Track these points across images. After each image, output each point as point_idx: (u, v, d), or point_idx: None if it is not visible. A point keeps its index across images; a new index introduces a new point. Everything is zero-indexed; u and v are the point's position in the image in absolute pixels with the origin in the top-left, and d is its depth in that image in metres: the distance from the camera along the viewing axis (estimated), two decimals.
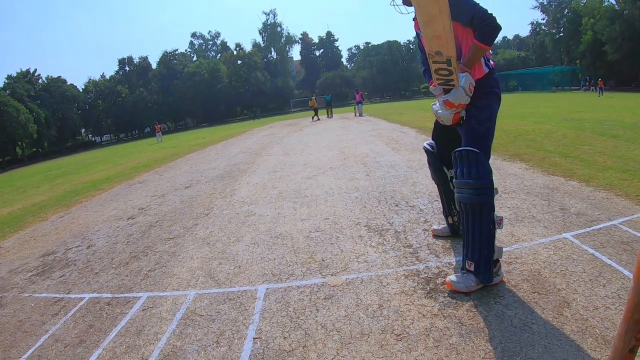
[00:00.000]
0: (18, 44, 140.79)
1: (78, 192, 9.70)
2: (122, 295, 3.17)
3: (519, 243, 2.92)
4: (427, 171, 4.99)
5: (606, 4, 49.08)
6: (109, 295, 3.22)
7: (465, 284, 2.33)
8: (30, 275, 4.10)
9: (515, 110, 15.93)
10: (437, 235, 3.24)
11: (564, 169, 4.90)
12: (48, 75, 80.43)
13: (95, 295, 3.27)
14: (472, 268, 2.32)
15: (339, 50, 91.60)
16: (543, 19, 69.00)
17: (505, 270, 2.54)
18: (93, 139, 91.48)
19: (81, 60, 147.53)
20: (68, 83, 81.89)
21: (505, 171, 5.06)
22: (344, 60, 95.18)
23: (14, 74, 76.05)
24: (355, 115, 24.44)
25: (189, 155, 14.00)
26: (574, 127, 8.93)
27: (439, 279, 2.59)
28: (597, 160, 5.27)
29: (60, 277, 3.86)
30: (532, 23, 72.59)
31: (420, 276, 2.66)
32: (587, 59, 50.97)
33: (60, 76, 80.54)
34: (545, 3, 65.52)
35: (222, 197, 5.84)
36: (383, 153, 7.68)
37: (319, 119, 24.77)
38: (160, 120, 61.84)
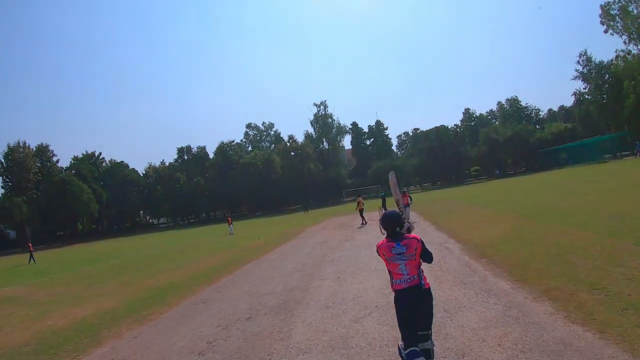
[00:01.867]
0: (84, 127, 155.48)
1: (145, 302, 11.02)
2: None
3: None
4: (460, 318, 5.67)
5: None
6: None
7: None
8: None
9: (562, 203, 16.10)
10: None
11: (586, 312, 5.37)
12: (112, 159, 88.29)
13: None
14: None
15: (389, 139, 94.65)
16: (585, 88, 68.75)
17: None
18: (151, 221, 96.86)
19: (142, 146, 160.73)
20: (130, 167, 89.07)
21: (529, 319, 5.56)
22: (394, 147, 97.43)
23: (80, 155, 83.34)
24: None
25: (247, 266, 15.16)
26: (614, 232, 9.37)
27: None
28: (622, 292, 5.73)
29: None
30: (575, 93, 72.49)
31: None
32: (633, 123, 49.80)
33: (123, 161, 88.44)
34: (586, 72, 65.59)
35: (280, 339, 6.65)
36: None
37: (366, 223, 24.63)
38: (229, 214, 64.84)
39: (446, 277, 8.74)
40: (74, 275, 19.98)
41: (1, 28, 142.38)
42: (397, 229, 4.24)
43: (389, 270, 4.31)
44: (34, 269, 26.84)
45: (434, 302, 4.35)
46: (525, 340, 4.96)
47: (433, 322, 4.40)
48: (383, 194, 29.40)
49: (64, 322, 9.92)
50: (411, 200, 21.35)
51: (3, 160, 69.87)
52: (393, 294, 4.29)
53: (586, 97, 70.04)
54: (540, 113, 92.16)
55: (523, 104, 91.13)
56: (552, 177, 38.19)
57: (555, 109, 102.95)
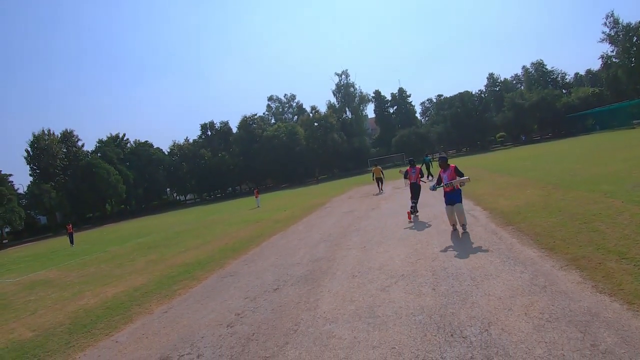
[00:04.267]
0: (107, 110, 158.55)
1: (174, 278, 11.40)
2: None
3: None
4: (487, 286, 5.72)
5: None
6: None
7: None
8: None
9: (589, 171, 15.78)
10: None
11: (614, 282, 5.34)
12: (136, 139, 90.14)
13: None
14: None
15: (412, 106, 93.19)
16: (612, 51, 66.06)
17: None
18: (177, 198, 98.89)
19: (166, 124, 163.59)
20: (154, 147, 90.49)
21: (556, 288, 5.57)
22: (417, 114, 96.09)
23: (104, 138, 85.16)
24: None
25: (273, 238, 15.44)
26: None
27: None
28: None
29: None
30: (602, 56, 69.66)
31: None
32: None
33: (147, 140, 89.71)
34: (613, 34, 62.91)
35: (307, 309, 6.83)
36: (451, 254, 8.34)
37: (382, 192, 25.56)
38: (255, 187, 65.59)
39: (472, 245, 8.75)
40: (104, 255, 20.65)
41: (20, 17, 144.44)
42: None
43: None
44: (66, 251, 27.65)
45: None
46: (552, 309, 4.98)
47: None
48: (428, 158, 28.88)
49: (95, 301, 10.36)
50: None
51: (30, 149, 71.48)
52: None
53: (614, 60, 67.27)
54: (567, 77, 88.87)
55: (549, 67, 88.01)
56: (580, 143, 37.23)
57: (582, 72, 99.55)
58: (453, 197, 10.07)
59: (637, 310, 4.50)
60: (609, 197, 10.26)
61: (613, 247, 6.59)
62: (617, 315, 4.51)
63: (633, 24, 60.82)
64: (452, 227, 10.50)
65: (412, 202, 13.85)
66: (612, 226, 7.80)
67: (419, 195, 14.15)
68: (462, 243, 9.06)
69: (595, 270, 5.86)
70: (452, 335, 4.89)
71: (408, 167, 14.63)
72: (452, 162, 10.89)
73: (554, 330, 4.47)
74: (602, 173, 14.39)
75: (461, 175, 10.10)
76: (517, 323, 4.82)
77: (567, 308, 4.93)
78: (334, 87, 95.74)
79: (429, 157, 29.09)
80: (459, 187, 10.13)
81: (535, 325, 4.69)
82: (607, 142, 30.73)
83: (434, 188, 10.51)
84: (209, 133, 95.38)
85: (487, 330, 4.77)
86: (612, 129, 48.08)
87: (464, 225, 10.19)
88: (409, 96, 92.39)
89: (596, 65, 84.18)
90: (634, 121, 49.39)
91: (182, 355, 5.93)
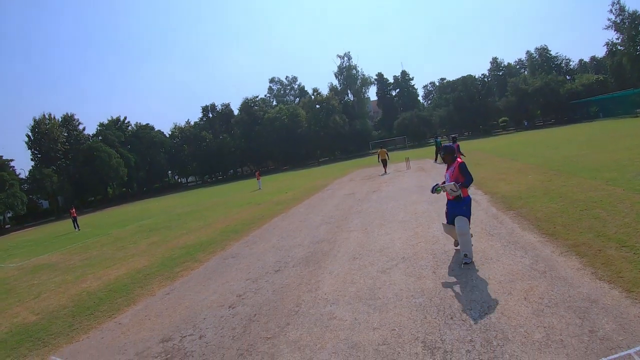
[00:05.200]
0: (107, 93, 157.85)
1: (176, 260, 11.46)
2: None
3: None
4: (487, 270, 5.77)
5: None
6: None
7: None
8: None
9: (591, 158, 15.76)
10: None
11: (614, 269, 5.36)
12: (137, 122, 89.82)
13: None
14: None
15: (415, 89, 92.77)
16: (618, 39, 65.35)
17: None
18: (179, 180, 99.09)
19: (167, 107, 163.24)
20: (155, 129, 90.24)
21: (556, 273, 5.61)
22: (420, 98, 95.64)
23: (105, 122, 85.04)
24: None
25: (274, 220, 15.49)
26: None
27: None
28: None
29: None
30: (607, 43, 69.02)
31: None
32: None
33: (149, 123, 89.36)
34: (619, 21, 62.19)
35: (308, 290, 6.89)
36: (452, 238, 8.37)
37: (386, 173, 26.22)
38: (257, 169, 65.47)
39: (473, 228, 8.75)
40: (107, 238, 20.73)
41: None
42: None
43: None
44: (68, 235, 27.56)
45: None
46: (551, 295, 5.03)
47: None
48: (438, 139, 28.70)
49: (98, 284, 10.44)
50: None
51: (30, 134, 71.25)
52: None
53: (619, 48, 66.56)
54: (571, 63, 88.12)
55: (553, 53, 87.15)
56: (582, 130, 37.05)
57: (587, 59, 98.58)
58: (455, 210, 6.78)
59: (636, 298, 4.52)
60: (611, 185, 10.25)
61: (613, 235, 6.61)
62: (616, 302, 4.54)
63: (639, 12, 60.04)
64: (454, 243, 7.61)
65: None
66: (612, 214, 7.81)
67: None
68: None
69: (595, 257, 5.89)
70: (451, 317, 4.95)
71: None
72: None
73: (552, 316, 4.52)
74: (604, 160, 14.37)
75: (466, 175, 6.67)
76: (516, 307, 4.87)
77: (566, 294, 4.97)
78: (335, 70, 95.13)
79: (439, 139, 28.90)
80: (449, 194, 6.84)
81: (534, 309, 4.74)
82: (610, 129, 30.58)
83: (433, 190, 7.12)
84: (211, 115, 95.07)
85: (486, 313, 4.83)
86: (616, 117, 47.81)
87: (465, 255, 6.61)
88: (412, 79, 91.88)
89: (601, 52, 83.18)
90: (637, 110, 49.00)
91: (184, 336, 6.01)
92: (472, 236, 6.91)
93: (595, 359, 3.64)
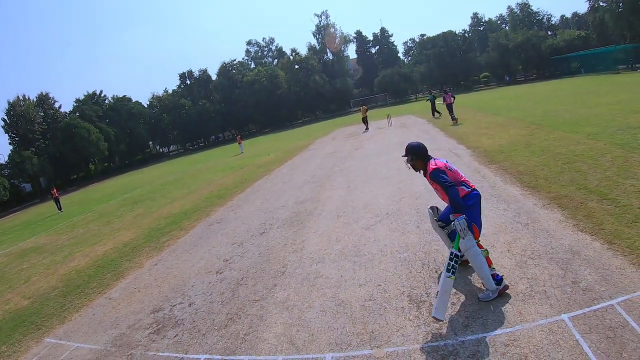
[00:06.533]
0: (80, 68, 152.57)
1: (162, 230, 11.34)
2: (229, 357, 4.30)
3: (522, 324, 3.69)
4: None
5: None
6: (219, 357, 4.36)
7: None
8: (148, 333, 5.35)
9: (573, 112, 15.82)
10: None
11: (595, 222, 5.41)
12: (114, 95, 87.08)
13: (208, 356, 4.42)
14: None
15: (395, 46, 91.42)
16: None
17: (501, 353, 3.39)
18: (161, 150, 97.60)
19: (144, 77, 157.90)
20: (133, 100, 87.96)
21: (539, 226, 5.66)
22: (400, 54, 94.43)
23: (81, 97, 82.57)
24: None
25: (257, 183, 15.38)
26: (626, 143, 9.17)
27: (451, 357, 3.50)
28: (632, 204, 5.66)
29: (175, 336, 5.06)
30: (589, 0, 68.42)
31: (439, 353, 3.58)
32: None
33: (126, 95, 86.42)
34: None
35: (294, 251, 6.89)
36: (435, 192, 8.38)
37: (367, 130, 26.41)
38: (238, 133, 64.45)
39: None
40: (92, 215, 20.25)
41: None
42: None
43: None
44: (53, 216, 26.04)
45: None
46: (534, 246, 5.08)
47: None
48: (432, 96, 28.51)
49: (86, 261, 10.24)
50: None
51: (6, 117, 68.52)
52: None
53: (601, 4, 65.91)
54: (553, 19, 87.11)
55: (534, 8, 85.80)
56: (564, 85, 37.12)
57: (568, 15, 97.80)
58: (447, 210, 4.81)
59: (617, 250, 4.57)
60: (592, 139, 10.30)
61: (595, 188, 6.66)
62: (598, 254, 4.59)
63: None
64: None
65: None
66: (594, 167, 7.86)
67: None
68: None
69: (577, 210, 5.94)
70: (436, 271, 4.99)
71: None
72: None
73: (535, 267, 4.58)
74: (586, 115, 14.43)
75: (446, 190, 4.35)
76: (500, 259, 4.92)
77: (548, 245, 5.03)
78: (314, 29, 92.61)
79: (432, 95, 28.78)
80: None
81: (517, 261, 4.80)
82: (591, 85, 30.66)
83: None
84: (188, 82, 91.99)
85: (470, 268, 4.86)
86: (597, 73, 47.86)
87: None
88: (391, 36, 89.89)
89: (583, 8, 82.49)
90: (619, 66, 49.13)
91: (174, 305, 5.98)
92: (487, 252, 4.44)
93: (579, 309, 3.70)
